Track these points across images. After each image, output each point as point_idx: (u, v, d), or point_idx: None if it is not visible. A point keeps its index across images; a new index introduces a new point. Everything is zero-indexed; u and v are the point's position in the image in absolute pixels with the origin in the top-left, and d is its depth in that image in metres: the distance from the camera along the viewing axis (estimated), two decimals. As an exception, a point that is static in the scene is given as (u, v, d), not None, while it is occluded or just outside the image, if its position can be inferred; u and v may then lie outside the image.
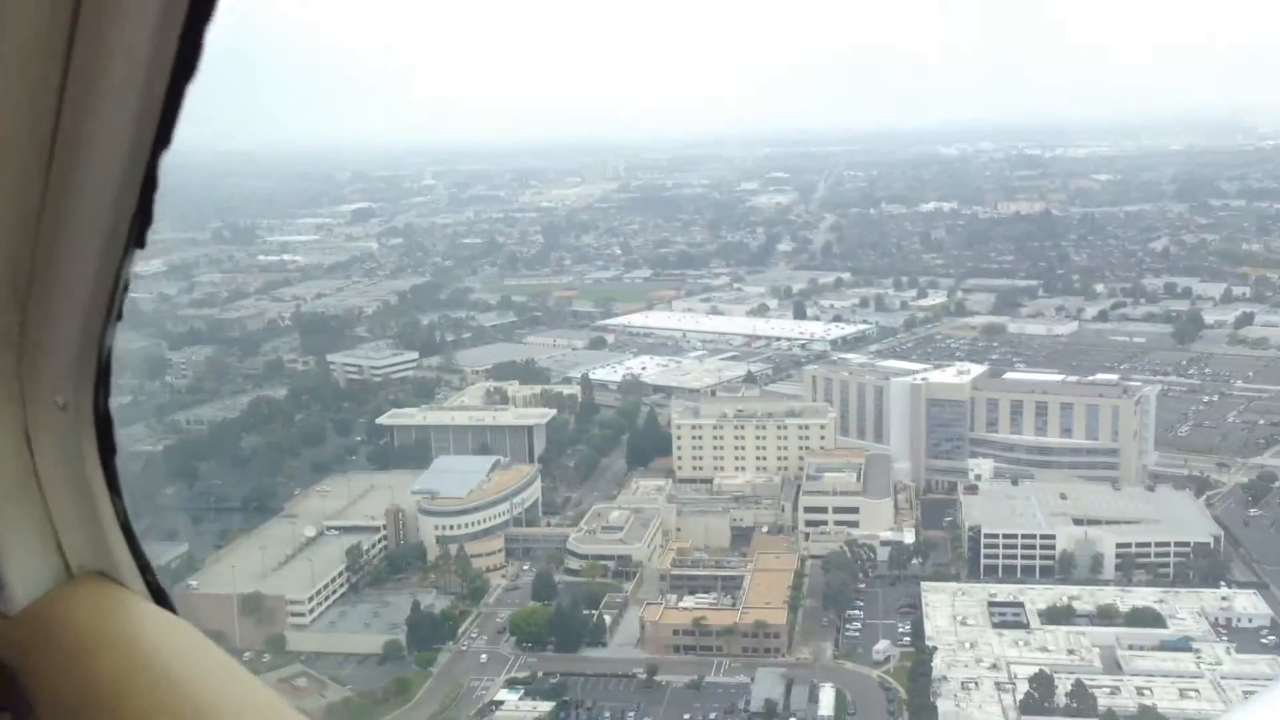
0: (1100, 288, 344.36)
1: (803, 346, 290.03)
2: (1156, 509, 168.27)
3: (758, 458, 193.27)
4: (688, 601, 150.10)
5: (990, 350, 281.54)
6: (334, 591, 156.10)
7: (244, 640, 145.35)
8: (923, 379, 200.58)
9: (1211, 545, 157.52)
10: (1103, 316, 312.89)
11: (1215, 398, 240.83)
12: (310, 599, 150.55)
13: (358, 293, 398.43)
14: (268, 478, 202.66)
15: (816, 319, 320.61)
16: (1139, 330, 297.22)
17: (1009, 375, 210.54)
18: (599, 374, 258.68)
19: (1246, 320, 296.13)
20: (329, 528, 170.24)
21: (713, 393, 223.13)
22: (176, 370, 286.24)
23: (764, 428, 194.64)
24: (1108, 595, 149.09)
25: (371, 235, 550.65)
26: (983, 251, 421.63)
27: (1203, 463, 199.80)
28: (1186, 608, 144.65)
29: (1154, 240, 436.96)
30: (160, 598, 4.95)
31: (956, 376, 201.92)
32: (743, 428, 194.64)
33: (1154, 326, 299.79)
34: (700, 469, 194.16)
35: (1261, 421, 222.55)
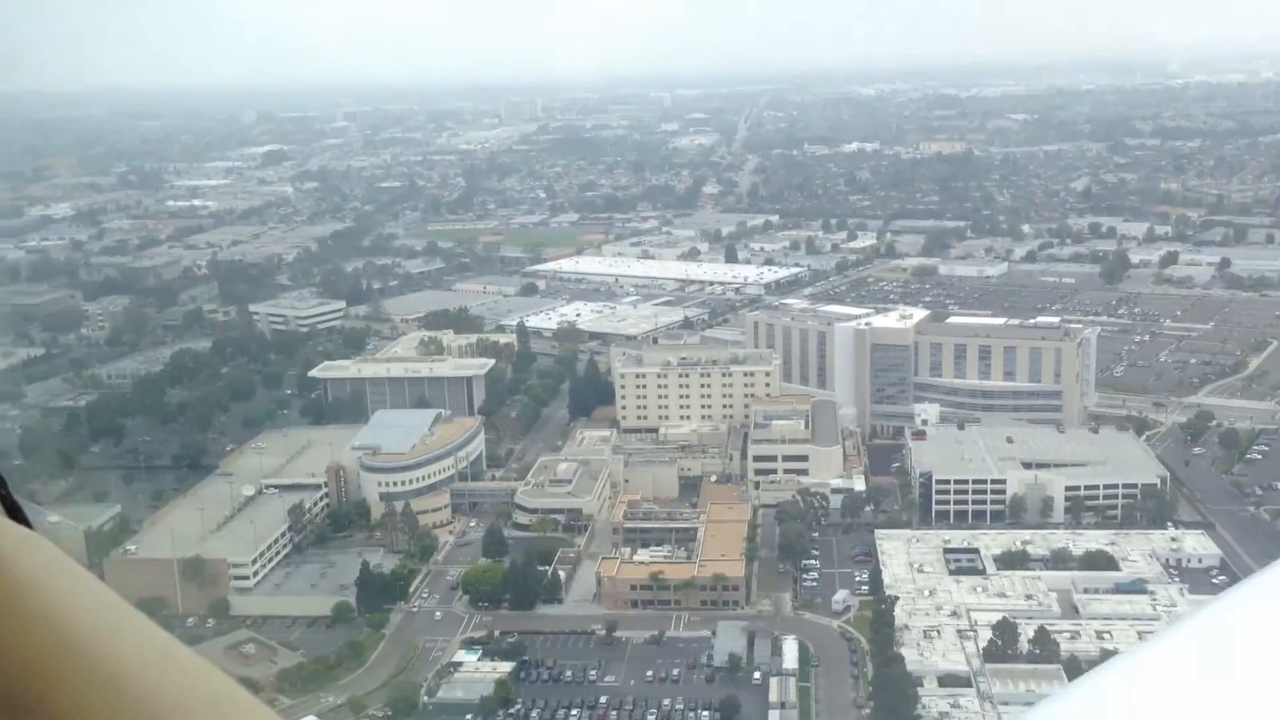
0: (1027, 228, 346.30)
1: (737, 290, 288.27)
2: (1102, 451, 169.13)
3: (703, 406, 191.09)
4: (642, 555, 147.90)
5: (923, 293, 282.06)
6: (277, 553, 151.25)
7: (186, 606, 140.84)
8: (866, 324, 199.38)
9: (1158, 486, 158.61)
10: (1031, 257, 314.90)
11: (1146, 337, 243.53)
12: (254, 561, 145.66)
13: (275, 239, 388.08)
14: (198, 434, 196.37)
15: (748, 262, 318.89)
16: (1067, 271, 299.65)
17: (952, 319, 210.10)
18: (533, 321, 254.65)
19: (1171, 260, 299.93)
20: (268, 486, 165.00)
21: (654, 340, 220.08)
22: (93, 321, 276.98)
23: (708, 375, 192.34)
24: (1060, 539, 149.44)
25: (285, 179, 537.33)
26: (908, 193, 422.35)
27: (1140, 403, 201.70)
28: (1138, 550, 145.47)
29: (1075, 180, 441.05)
30: (15, 513, 4.42)
31: (899, 321, 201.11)
32: (687, 376, 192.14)
33: (1082, 267, 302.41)
34: (645, 418, 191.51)
35: (1193, 360, 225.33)
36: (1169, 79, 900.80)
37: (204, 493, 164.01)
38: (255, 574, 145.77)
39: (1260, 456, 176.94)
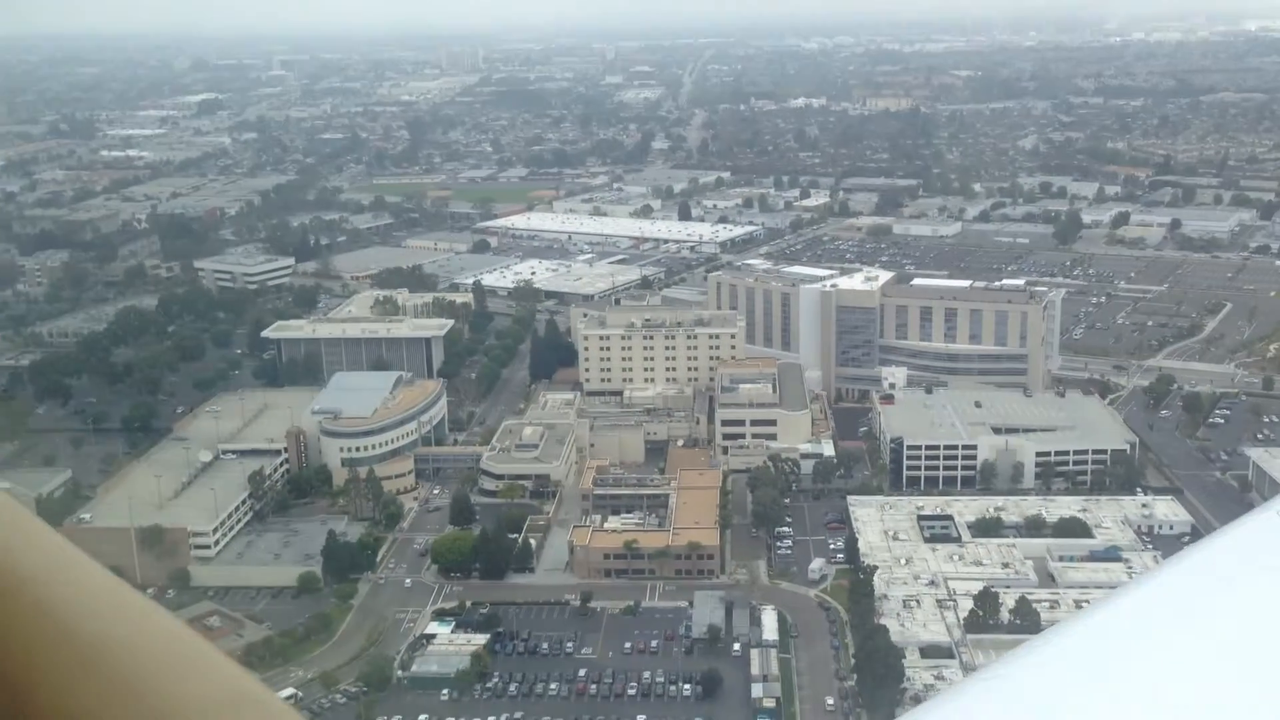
0: (978, 187, 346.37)
1: (692, 249, 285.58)
2: (1070, 415, 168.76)
3: (667, 369, 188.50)
4: (613, 523, 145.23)
5: (879, 252, 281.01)
6: (238, 521, 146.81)
7: (145, 576, 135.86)
8: (832, 286, 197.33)
9: (1127, 452, 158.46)
10: (984, 217, 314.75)
11: (1103, 299, 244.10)
12: (214, 530, 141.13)
13: (216, 192, 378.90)
14: (147, 395, 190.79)
15: (701, 220, 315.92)
16: (1021, 231, 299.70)
17: (917, 281, 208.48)
18: (488, 280, 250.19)
19: (1122, 220, 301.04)
20: (225, 451, 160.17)
21: (616, 301, 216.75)
22: (30, 277, 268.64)
23: (672, 338, 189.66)
24: (1032, 505, 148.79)
25: (222, 129, 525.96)
26: (858, 150, 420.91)
27: (1101, 365, 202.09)
28: (1110, 516, 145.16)
29: (1022, 138, 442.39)
30: None
31: (865, 283, 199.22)
32: (651, 338, 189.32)
33: (1035, 227, 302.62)
34: (608, 381, 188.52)
35: (1150, 323, 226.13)
36: (1107, 36, 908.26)
37: (159, 458, 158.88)
38: (216, 543, 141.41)
39: (1222, 421, 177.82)
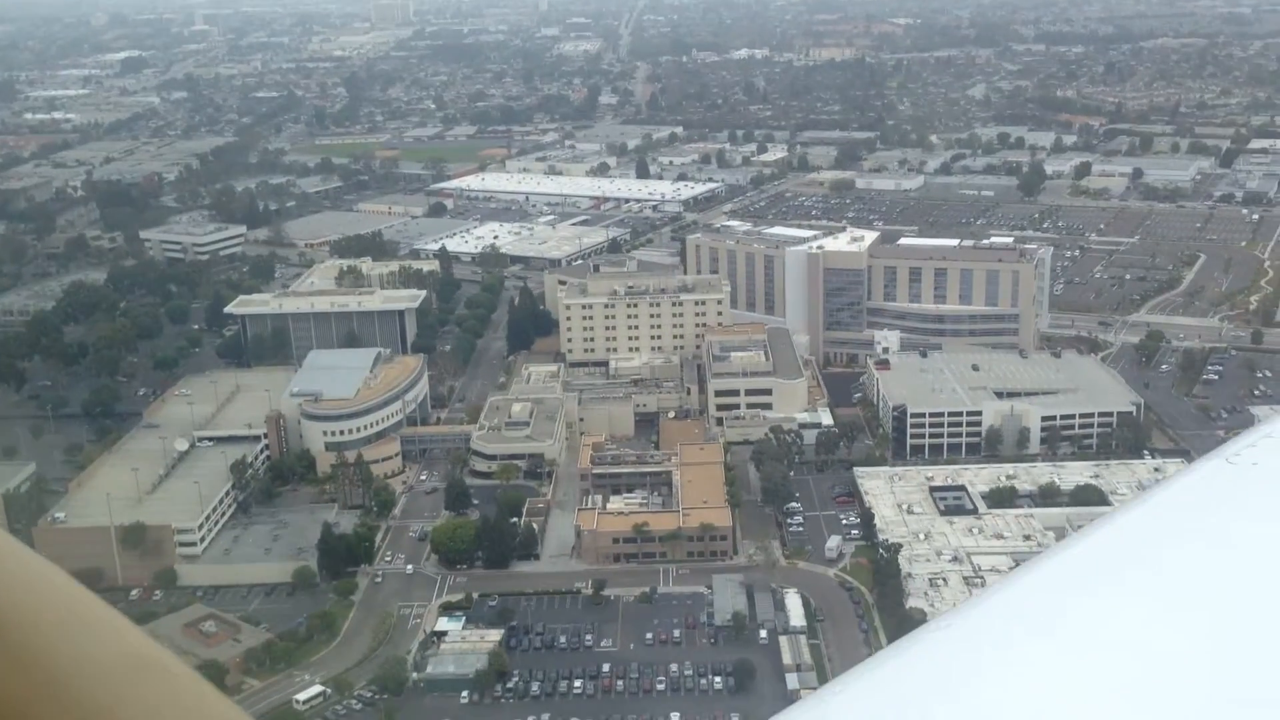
0: (935, 138, 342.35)
1: (654, 208, 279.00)
2: (1069, 377, 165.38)
3: (652, 337, 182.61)
4: (616, 503, 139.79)
5: (844, 208, 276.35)
6: (223, 514, 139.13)
7: (128, 578, 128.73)
8: (818, 247, 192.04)
9: (1134, 415, 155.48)
10: (945, 169, 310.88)
11: (1076, 253, 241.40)
12: (200, 525, 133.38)
13: (151, 155, 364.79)
14: (106, 378, 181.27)
15: (660, 177, 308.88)
16: (984, 183, 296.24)
17: (904, 241, 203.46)
18: (451, 245, 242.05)
19: (1085, 171, 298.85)
20: (201, 438, 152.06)
21: (596, 268, 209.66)
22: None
23: (657, 305, 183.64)
24: (1043, 472, 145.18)
25: (149, 88, 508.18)
26: (809, 102, 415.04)
27: (1087, 322, 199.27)
28: (1123, 482, 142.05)
29: (971, 87, 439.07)
30: None
31: (851, 244, 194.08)
32: (635, 305, 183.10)
33: (998, 179, 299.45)
34: (592, 351, 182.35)
35: (1128, 276, 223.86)
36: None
37: (131, 448, 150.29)
38: (202, 539, 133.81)
39: (1217, 377, 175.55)
